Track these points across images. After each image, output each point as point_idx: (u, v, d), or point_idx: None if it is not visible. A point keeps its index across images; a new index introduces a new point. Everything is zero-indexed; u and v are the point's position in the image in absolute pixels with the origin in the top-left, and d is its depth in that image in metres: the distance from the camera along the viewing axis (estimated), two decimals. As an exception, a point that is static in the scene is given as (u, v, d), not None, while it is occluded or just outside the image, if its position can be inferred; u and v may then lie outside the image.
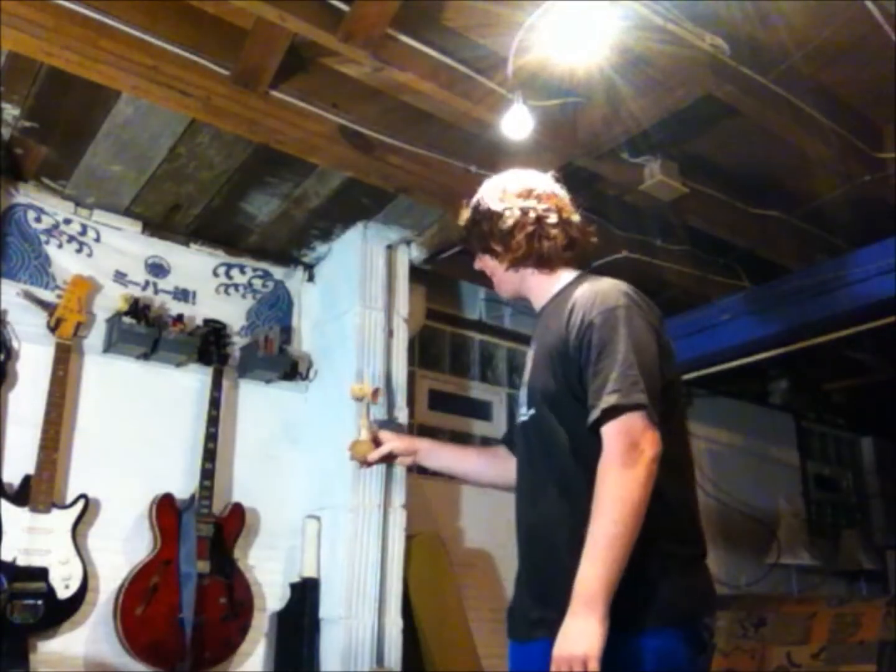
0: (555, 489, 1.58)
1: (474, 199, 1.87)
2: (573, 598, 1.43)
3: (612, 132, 2.89)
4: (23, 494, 2.81)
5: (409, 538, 3.34)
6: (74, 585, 2.83)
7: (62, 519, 2.86)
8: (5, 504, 2.76)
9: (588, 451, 1.53)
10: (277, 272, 3.76)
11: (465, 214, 1.89)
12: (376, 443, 2.23)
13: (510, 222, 1.77)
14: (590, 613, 1.40)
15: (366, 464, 2.20)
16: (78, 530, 2.89)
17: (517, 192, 1.81)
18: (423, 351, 4.18)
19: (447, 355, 4.31)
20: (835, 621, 3.26)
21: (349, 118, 2.90)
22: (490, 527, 3.92)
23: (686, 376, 4.36)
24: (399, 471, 3.33)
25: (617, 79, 2.62)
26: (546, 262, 1.79)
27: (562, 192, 1.86)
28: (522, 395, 1.76)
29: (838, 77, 2.78)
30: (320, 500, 3.37)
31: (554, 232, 1.78)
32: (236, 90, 2.69)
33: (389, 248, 3.63)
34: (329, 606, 3.18)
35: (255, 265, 3.70)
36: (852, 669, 3.05)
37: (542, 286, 1.81)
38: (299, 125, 2.84)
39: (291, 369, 3.57)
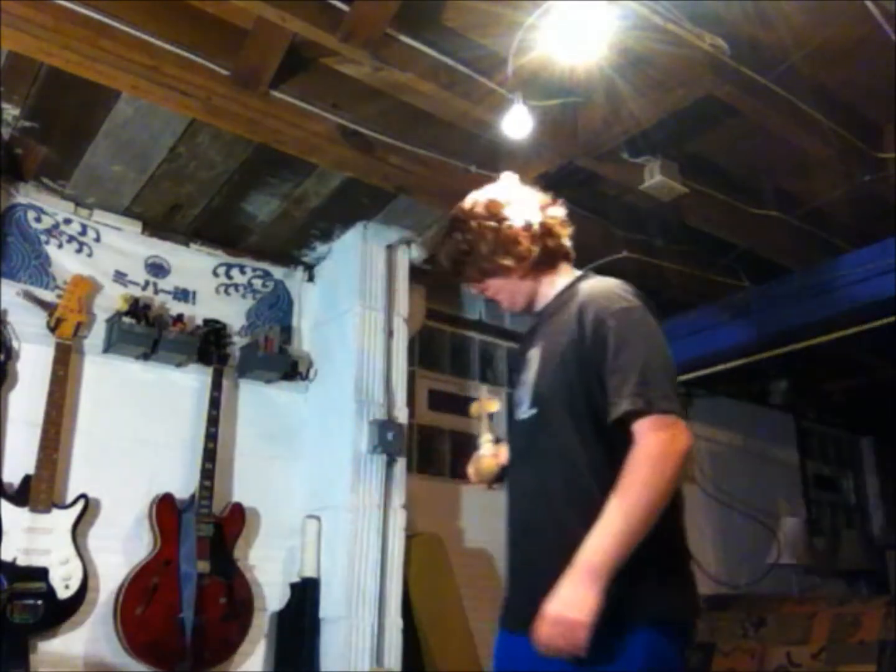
0: (561, 487, 1.56)
1: (453, 232, 1.75)
2: (576, 565, 1.41)
3: (612, 132, 2.89)
4: (23, 494, 2.81)
5: (409, 538, 3.34)
6: (74, 585, 2.83)
7: (62, 519, 2.86)
8: (5, 504, 2.76)
9: (598, 454, 1.52)
10: (277, 272, 3.76)
11: (450, 249, 1.76)
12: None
13: (512, 230, 1.69)
14: (592, 584, 1.38)
15: (490, 485, 1.90)
16: (78, 530, 2.89)
17: (500, 203, 1.72)
18: (423, 351, 4.17)
19: (447, 355, 4.30)
20: (835, 621, 3.26)
21: (349, 118, 2.90)
22: (490, 527, 3.89)
23: (686, 376, 4.36)
24: (399, 471, 3.34)
25: (617, 79, 2.62)
26: (553, 260, 1.74)
27: (534, 192, 1.78)
28: (523, 393, 1.70)
29: (838, 77, 2.78)
30: (320, 500, 3.37)
31: (554, 228, 1.73)
32: (236, 90, 2.69)
33: (389, 248, 3.63)
34: (329, 606, 3.18)
35: (255, 265, 3.70)
36: (852, 669, 3.05)
37: (546, 286, 1.75)
38: (299, 125, 2.84)
39: (291, 369, 3.57)
